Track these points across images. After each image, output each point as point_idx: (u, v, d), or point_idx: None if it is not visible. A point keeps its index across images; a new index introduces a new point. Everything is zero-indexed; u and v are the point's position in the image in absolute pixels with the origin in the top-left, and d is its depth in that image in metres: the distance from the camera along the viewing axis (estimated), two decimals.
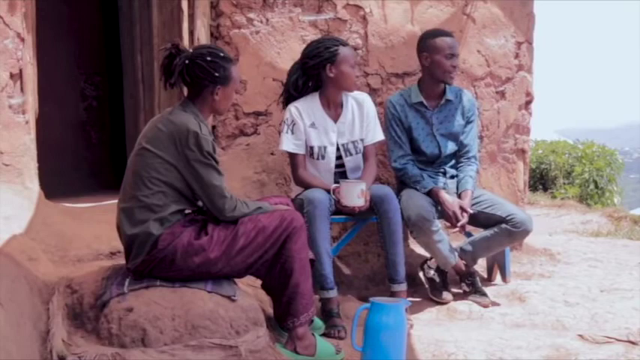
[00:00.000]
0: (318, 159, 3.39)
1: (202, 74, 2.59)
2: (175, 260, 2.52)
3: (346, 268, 3.86)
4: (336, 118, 3.42)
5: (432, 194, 3.46)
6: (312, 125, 3.37)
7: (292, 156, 3.40)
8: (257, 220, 2.61)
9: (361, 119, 3.45)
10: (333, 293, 3.17)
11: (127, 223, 2.54)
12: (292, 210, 2.80)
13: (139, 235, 2.51)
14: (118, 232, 2.63)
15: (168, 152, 2.52)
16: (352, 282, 3.77)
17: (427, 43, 3.53)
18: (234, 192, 2.70)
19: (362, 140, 3.46)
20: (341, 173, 3.45)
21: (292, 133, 3.35)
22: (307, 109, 3.38)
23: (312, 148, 3.38)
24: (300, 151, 3.37)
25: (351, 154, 3.44)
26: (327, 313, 3.14)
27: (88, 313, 2.53)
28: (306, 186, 3.33)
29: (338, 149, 3.42)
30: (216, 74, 2.59)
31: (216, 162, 2.57)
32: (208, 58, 2.59)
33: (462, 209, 3.40)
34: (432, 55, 3.49)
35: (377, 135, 3.51)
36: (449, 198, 3.44)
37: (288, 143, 3.36)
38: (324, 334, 2.96)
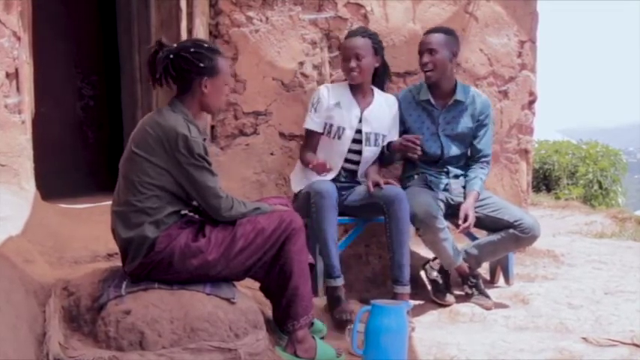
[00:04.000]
0: (334, 138, 3.41)
1: (187, 66, 2.53)
2: (173, 263, 2.48)
3: (347, 270, 3.81)
4: (363, 106, 3.47)
5: None
6: (337, 105, 3.43)
7: (308, 133, 3.48)
8: (256, 222, 2.57)
9: (389, 117, 3.51)
10: (340, 281, 3.19)
11: (121, 227, 2.51)
12: (291, 211, 2.75)
13: (134, 238, 2.48)
14: (113, 235, 2.59)
15: (158, 156, 2.47)
16: (353, 284, 3.72)
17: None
18: (233, 192, 2.67)
19: (384, 136, 3.49)
20: (352, 162, 3.46)
21: (315, 111, 3.43)
22: (337, 89, 3.48)
23: (331, 126, 3.41)
24: (317, 128, 3.43)
25: (370, 145, 3.45)
26: (334, 300, 3.16)
27: (85, 316, 2.51)
28: (303, 162, 3.42)
29: (359, 132, 3.44)
30: (202, 64, 2.53)
31: (209, 163, 2.51)
32: (192, 50, 2.54)
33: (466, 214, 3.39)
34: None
35: (392, 136, 3.54)
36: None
37: (310, 122, 3.45)
38: (332, 319, 3.02)
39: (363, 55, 3.37)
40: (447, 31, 3.52)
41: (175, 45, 2.58)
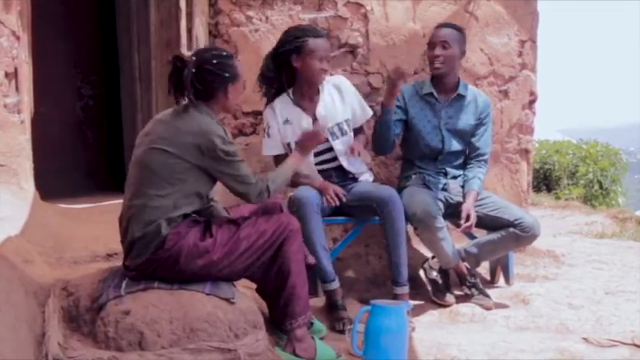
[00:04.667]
0: None
1: (212, 78, 2.59)
2: (179, 261, 2.50)
3: (347, 270, 3.82)
4: (313, 108, 3.36)
5: None
6: (287, 122, 3.33)
7: (275, 158, 3.38)
8: (257, 224, 2.62)
9: (342, 100, 3.41)
10: (335, 284, 3.18)
11: (135, 222, 2.52)
12: (288, 214, 2.82)
13: (147, 234, 2.50)
14: (120, 228, 2.60)
15: (191, 154, 2.52)
16: (353, 284, 3.72)
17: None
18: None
19: (347, 121, 3.40)
20: (330, 160, 3.39)
21: (269, 136, 3.35)
22: (280, 105, 3.35)
23: (288, 144, 3.33)
24: (279, 151, 3.35)
25: (337, 137, 3.38)
26: (331, 305, 3.15)
27: (85, 316, 2.51)
28: (294, 184, 3.29)
29: None
30: (226, 74, 2.61)
31: (238, 155, 2.61)
32: (214, 61, 2.59)
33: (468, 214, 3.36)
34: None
35: (366, 112, 3.49)
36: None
37: (267, 148, 3.38)
38: (330, 327, 3.00)
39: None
40: (459, 29, 3.54)
41: (194, 58, 2.60)
